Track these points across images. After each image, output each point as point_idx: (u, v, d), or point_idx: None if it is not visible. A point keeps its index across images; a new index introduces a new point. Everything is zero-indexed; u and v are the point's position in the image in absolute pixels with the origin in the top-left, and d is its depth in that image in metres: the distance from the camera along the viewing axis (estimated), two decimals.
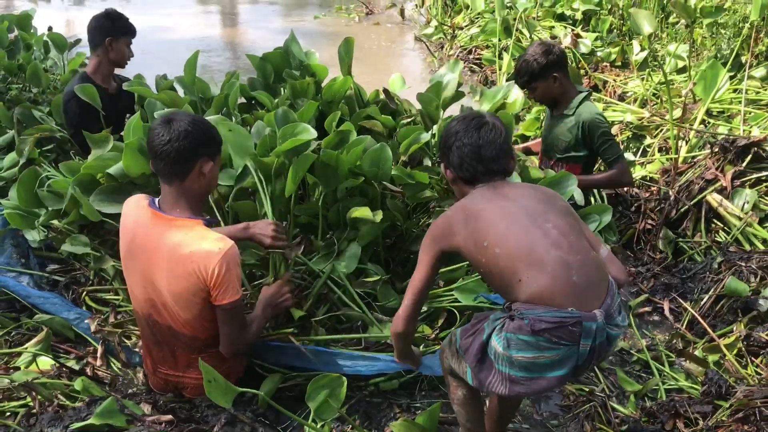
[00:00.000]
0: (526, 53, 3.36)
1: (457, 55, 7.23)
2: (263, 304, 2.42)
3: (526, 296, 1.78)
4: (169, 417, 2.26)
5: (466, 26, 7.84)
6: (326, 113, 2.83)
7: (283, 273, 2.49)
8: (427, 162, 2.91)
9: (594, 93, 5.46)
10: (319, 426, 2.22)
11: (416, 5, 9.78)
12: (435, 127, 2.94)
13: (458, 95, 3.16)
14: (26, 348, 2.65)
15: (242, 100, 3.29)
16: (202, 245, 2.13)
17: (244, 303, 2.42)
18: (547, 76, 3.34)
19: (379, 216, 2.47)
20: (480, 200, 1.95)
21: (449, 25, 7.89)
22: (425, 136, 2.75)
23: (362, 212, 2.50)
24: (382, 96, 3.24)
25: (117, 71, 3.73)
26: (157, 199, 2.27)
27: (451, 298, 2.65)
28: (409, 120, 3.09)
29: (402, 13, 8.95)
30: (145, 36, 5.42)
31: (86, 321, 2.74)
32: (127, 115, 3.44)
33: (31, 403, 2.29)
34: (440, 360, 2.15)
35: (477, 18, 7.92)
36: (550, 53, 3.32)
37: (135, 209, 2.29)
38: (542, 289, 1.75)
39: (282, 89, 3.05)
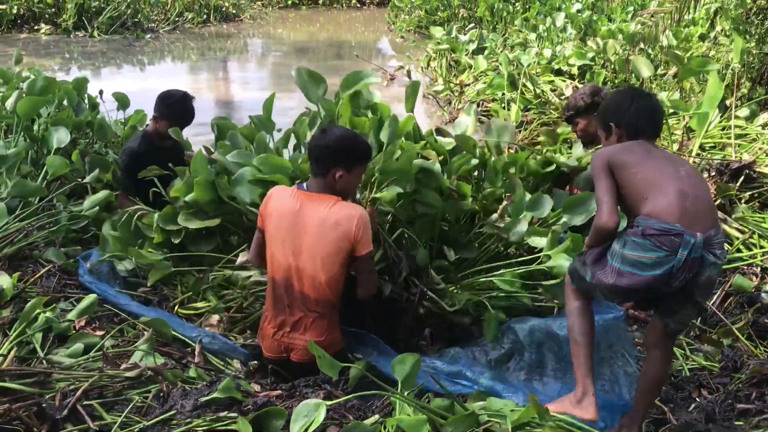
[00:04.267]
0: (577, 91, 3.74)
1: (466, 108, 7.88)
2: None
3: (647, 211, 2.29)
4: (278, 392, 2.67)
5: (471, 83, 8.54)
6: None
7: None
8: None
9: None
10: (406, 394, 2.63)
11: (421, 68, 10.58)
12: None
13: None
14: (136, 347, 3.06)
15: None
16: (343, 212, 2.68)
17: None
18: (589, 114, 3.67)
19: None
20: (638, 144, 2.48)
21: (457, 82, 8.60)
22: (473, 161, 3.29)
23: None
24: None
25: None
26: (305, 184, 2.79)
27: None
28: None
29: (409, 74, 9.69)
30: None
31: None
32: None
33: (156, 388, 2.70)
34: (566, 278, 2.62)
35: (480, 76, 8.64)
36: (596, 95, 3.67)
37: (285, 194, 2.79)
38: (660, 207, 2.27)
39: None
